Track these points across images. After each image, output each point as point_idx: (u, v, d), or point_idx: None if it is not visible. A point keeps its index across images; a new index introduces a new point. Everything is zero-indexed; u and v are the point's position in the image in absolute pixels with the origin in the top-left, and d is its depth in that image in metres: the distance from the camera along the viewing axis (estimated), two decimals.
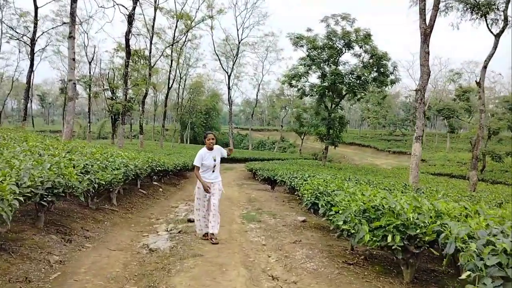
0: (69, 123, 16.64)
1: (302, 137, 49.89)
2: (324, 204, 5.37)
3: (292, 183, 10.10)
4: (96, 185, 5.83)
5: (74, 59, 16.72)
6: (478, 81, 17.34)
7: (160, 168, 11.42)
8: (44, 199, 4.56)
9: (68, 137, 16.39)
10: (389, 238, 3.48)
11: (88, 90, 41.37)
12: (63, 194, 4.80)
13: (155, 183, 12.93)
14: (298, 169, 20.08)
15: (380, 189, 6.42)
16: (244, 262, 4.69)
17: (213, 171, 5.84)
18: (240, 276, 4.12)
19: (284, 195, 12.82)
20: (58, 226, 5.32)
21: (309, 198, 6.15)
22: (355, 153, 61.78)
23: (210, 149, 5.86)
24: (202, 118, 66.91)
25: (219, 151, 5.95)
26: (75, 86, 16.79)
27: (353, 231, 3.80)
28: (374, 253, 5.14)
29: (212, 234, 5.58)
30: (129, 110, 34.01)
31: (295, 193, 11.09)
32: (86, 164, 5.98)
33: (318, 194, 6.20)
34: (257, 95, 58.22)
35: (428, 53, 11.06)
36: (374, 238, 3.66)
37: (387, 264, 4.66)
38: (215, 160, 5.82)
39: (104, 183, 6.14)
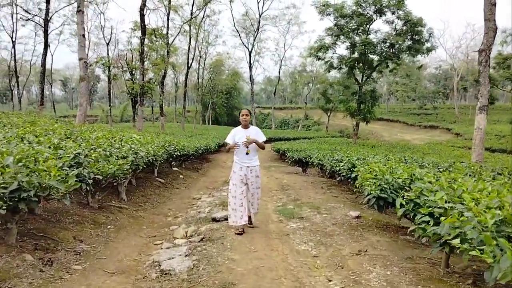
0: (82, 105, 15.45)
1: (328, 114, 47.74)
2: (404, 203, 3.79)
3: (334, 167, 8.52)
4: (90, 181, 4.42)
5: (84, 35, 15.39)
6: None
7: (179, 153, 10.03)
8: (12, 206, 3.19)
9: (82, 120, 15.22)
10: None
11: (107, 72, 40.41)
12: (37, 199, 3.40)
13: (175, 169, 11.62)
14: (330, 148, 18.44)
15: (462, 176, 4.80)
16: None
17: (247, 153, 5.15)
18: None
19: (320, 179, 11.26)
20: (38, 238, 3.95)
21: (373, 191, 4.57)
22: (384, 128, 59.21)
23: (245, 126, 5.23)
24: (223, 98, 65.38)
25: (256, 133, 5.26)
26: (86, 65, 15.52)
27: (489, 260, 2.23)
28: (476, 267, 3.57)
29: (253, 214, 5.36)
30: (148, 92, 32.72)
31: (337, 179, 9.54)
32: (78, 154, 4.56)
33: (385, 186, 4.61)
34: (279, 72, 56.04)
35: (494, 4, 9.08)
36: None
37: None
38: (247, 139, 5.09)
39: (101, 177, 4.73)
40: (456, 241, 2.55)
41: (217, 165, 16.66)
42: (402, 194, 4.04)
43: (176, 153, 9.52)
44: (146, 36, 29.09)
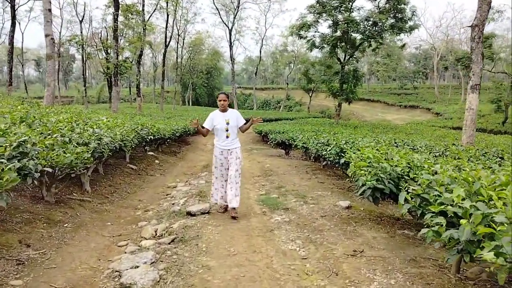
0: (49, 86, 14.39)
1: (310, 95, 47.19)
2: (409, 198, 3.23)
3: (320, 151, 7.97)
4: (37, 174, 3.71)
5: (50, 10, 14.22)
6: None
7: (153, 137, 9.29)
8: None
9: (50, 101, 14.20)
10: None
11: (81, 51, 38.65)
12: None
13: (150, 153, 10.88)
14: (313, 129, 17.93)
15: (467, 163, 4.30)
16: None
17: (227, 136, 5.10)
18: None
19: (305, 163, 10.73)
20: None
21: (368, 181, 4.01)
22: (365, 109, 59.25)
23: (223, 110, 5.17)
24: (203, 78, 63.88)
25: (235, 116, 5.18)
26: (54, 41, 14.39)
27: None
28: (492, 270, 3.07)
29: (233, 208, 4.95)
30: (123, 72, 31.38)
31: (322, 163, 9.02)
32: (23, 142, 3.82)
33: (381, 175, 4.05)
34: (260, 51, 54.96)
35: None
36: None
37: None
38: (228, 124, 5.08)
39: (54, 169, 4.02)
40: (489, 256, 1.99)
41: (197, 148, 15.97)
42: (405, 187, 3.48)
43: (149, 137, 8.78)
44: (120, 12, 27.71)
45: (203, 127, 5.09)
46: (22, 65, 52.70)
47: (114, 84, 22.47)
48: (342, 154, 6.38)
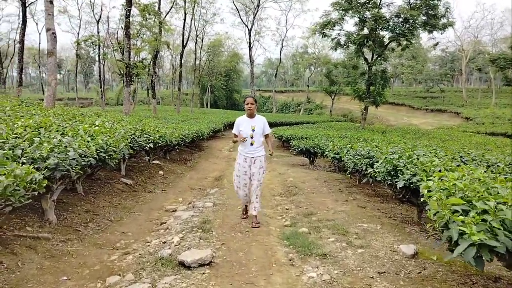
0: (50, 85, 13.08)
1: (332, 97, 45.20)
2: None
3: (359, 166, 6.31)
4: None
5: (51, 2, 12.95)
6: None
7: (152, 145, 7.77)
8: None
9: (51, 103, 12.90)
10: None
11: (98, 51, 37.97)
12: None
13: (155, 162, 9.40)
14: (339, 134, 16.22)
15: None
16: None
17: (252, 144, 4.89)
18: None
19: (334, 175, 9.05)
20: None
21: (474, 235, 2.37)
22: (389, 112, 56.74)
23: (250, 116, 4.94)
24: (222, 81, 62.55)
25: (262, 123, 4.98)
26: (55, 37, 13.09)
27: None
28: None
29: (255, 216, 4.82)
30: (139, 74, 30.22)
31: (357, 177, 7.34)
32: None
33: (495, 225, 2.39)
34: (280, 52, 53.28)
35: None
36: None
37: None
38: (253, 130, 4.87)
39: None
40: None
41: (211, 155, 14.46)
42: None
43: (148, 145, 7.26)
44: (137, 12, 26.74)
45: (236, 136, 4.95)
46: (39, 66, 52.47)
47: (126, 85, 21.20)
48: (398, 174, 4.71)
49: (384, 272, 3.31)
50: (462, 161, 5.26)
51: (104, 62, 43.46)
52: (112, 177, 6.73)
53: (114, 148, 5.21)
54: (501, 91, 61.89)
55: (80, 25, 44.34)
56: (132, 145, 6.71)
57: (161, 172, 8.68)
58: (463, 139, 22.00)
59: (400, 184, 4.31)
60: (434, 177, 3.36)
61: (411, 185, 4.33)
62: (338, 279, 3.18)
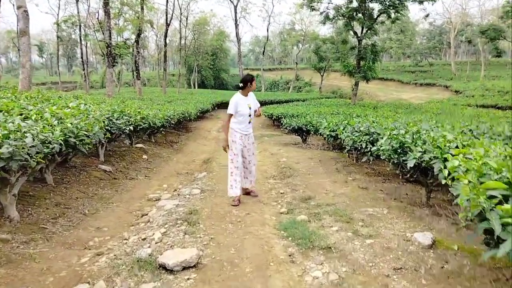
0: (24, 67, 12.27)
1: (322, 74, 44.42)
2: None
3: (358, 143, 5.81)
4: None
5: None
6: None
7: (132, 127, 7.15)
8: None
9: (26, 86, 12.12)
10: None
11: (79, 32, 36.51)
12: None
13: (139, 145, 8.80)
14: (331, 111, 15.70)
15: None
16: None
17: (249, 122, 4.83)
18: None
19: (329, 154, 8.58)
20: None
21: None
22: (378, 88, 56.30)
23: (246, 94, 4.80)
24: (209, 60, 61.23)
25: (254, 100, 4.90)
26: (27, 15, 12.17)
27: None
28: None
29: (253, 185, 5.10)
30: (123, 54, 29.03)
31: (355, 155, 6.88)
32: None
33: None
34: (267, 29, 52.00)
35: None
36: None
37: None
38: (250, 108, 4.75)
39: None
40: None
41: (199, 136, 13.88)
42: None
43: (128, 128, 6.64)
44: None
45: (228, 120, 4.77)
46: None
47: (108, 66, 20.35)
48: (405, 151, 4.21)
49: (401, 268, 2.83)
50: (473, 136, 4.78)
51: (86, 44, 41.98)
52: (89, 164, 6.14)
53: (86, 133, 4.60)
54: (489, 63, 61.76)
55: (59, 6, 42.43)
56: (109, 128, 6.10)
57: (145, 156, 8.10)
58: (456, 112, 21.68)
59: (410, 164, 3.81)
60: (457, 155, 2.85)
61: (422, 164, 3.83)
62: (348, 279, 2.70)
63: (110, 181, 5.74)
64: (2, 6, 23.41)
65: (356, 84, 24.74)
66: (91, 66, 75.22)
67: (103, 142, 6.08)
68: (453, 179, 2.86)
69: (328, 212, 4.17)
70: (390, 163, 4.62)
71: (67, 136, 4.33)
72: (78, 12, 37.12)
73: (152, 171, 7.13)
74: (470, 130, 5.21)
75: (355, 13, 23.12)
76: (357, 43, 23.72)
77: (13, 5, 43.87)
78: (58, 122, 4.46)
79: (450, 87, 49.43)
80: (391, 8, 22.34)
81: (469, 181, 2.43)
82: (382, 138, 4.74)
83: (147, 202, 4.99)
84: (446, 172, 2.90)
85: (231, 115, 4.68)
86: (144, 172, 6.90)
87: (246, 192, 5.03)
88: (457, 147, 3.56)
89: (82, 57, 37.95)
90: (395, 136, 4.50)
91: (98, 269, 2.99)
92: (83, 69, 38.58)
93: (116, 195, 5.18)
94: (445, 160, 3.46)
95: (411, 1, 22.83)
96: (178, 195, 5.06)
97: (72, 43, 73.78)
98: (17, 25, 42.47)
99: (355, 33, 24.13)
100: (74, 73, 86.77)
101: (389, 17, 23.58)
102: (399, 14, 23.42)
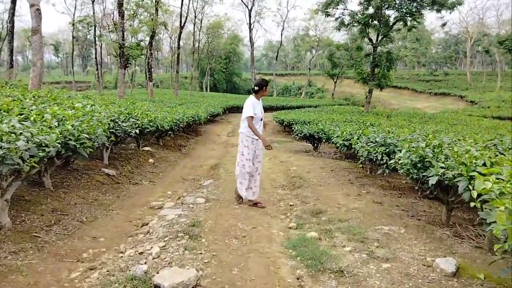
0: (35, 66, 12.20)
1: (335, 80, 44.00)
2: None
3: (373, 155, 5.51)
4: None
5: None
6: None
7: (140, 130, 6.95)
8: None
9: (36, 84, 12.04)
10: None
11: (93, 32, 36.86)
12: None
13: (146, 148, 8.61)
14: (344, 119, 15.37)
15: None
16: None
17: (260, 126, 4.76)
18: None
19: (341, 164, 8.26)
20: None
21: None
22: (391, 96, 55.73)
23: (258, 99, 4.79)
24: (222, 64, 61.26)
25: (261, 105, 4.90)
26: (40, 13, 12.13)
27: None
28: None
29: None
30: (136, 56, 29.02)
31: (369, 166, 6.57)
32: None
33: None
34: (281, 34, 51.93)
35: None
36: None
37: None
38: (262, 113, 4.80)
39: None
40: None
41: (208, 140, 13.65)
42: None
43: (134, 131, 6.43)
44: None
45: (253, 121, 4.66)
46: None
47: (120, 67, 20.31)
48: (425, 166, 3.90)
49: None
50: (498, 151, 4.45)
51: (101, 44, 42.32)
52: (93, 167, 5.93)
53: (87, 136, 4.38)
54: (505, 74, 60.67)
55: (75, 6, 42.83)
56: (114, 130, 5.89)
57: (151, 160, 7.89)
58: (472, 123, 21.14)
59: (432, 181, 3.51)
60: (488, 175, 2.55)
61: (445, 181, 3.52)
62: None
63: (112, 186, 5.52)
64: (18, 4, 23.43)
65: (370, 92, 24.33)
66: (105, 67, 75.92)
67: (107, 145, 5.86)
68: (482, 201, 2.57)
69: (340, 229, 3.88)
70: (408, 178, 4.30)
71: (67, 139, 4.12)
72: (93, 13, 37.44)
73: (157, 176, 6.90)
74: (494, 144, 4.87)
75: (370, 19, 22.78)
76: (372, 50, 23.36)
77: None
78: (58, 124, 4.25)
79: (465, 97, 48.65)
80: (408, 15, 21.95)
81: (506, 207, 2.13)
82: (399, 150, 4.43)
83: (149, 210, 4.75)
84: (475, 193, 2.59)
85: (252, 117, 4.59)
86: (149, 177, 6.68)
87: (253, 204, 4.83)
88: (484, 164, 3.25)
89: (96, 57, 38.22)
90: (414, 149, 4.19)
91: (88, 286, 2.75)
92: (97, 69, 38.84)
93: (117, 202, 4.95)
94: (471, 178, 3.16)
95: (429, 9, 22.41)
96: (182, 203, 4.81)
97: (88, 43, 74.54)
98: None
99: (370, 40, 23.77)
100: (88, 73, 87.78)
101: (406, 24, 23.17)
102: (415, 22, 23.04)
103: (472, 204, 2.68)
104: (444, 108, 43.67)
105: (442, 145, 4.14)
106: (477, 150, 3.90)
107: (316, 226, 4.03)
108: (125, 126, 6.18)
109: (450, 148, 4.08)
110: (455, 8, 22.77)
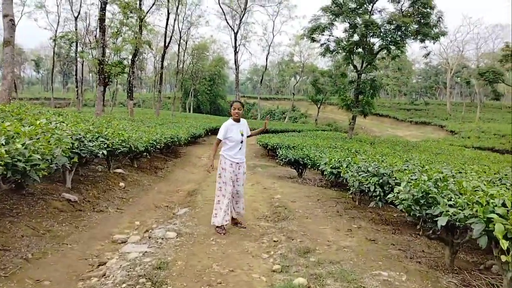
0: (5, 79, 11.52)
1: (318, 106, 44.13)
2: None
3: (366, 186, 5.02)
4: None
5: None
6: None
7: (109, 150, 6.32)
8: None
9: (5, 98, 11.31)
10: None
11: (75, 49, 36.20)
12: None
13: (118, 170, 7.93)
14: (328, 144, 15.00)
15: None
16: None
17: (240, 148, 4.74)
18: None
19: (327, 192, 7.75)
20: None
21: None
22: (373, 123, 56.27)
23: (237, 120, 4.78)
24: (206, 85, 60.98)
25: (246, 126, 4.89)
26: (13, 24, 11.51)
27: None
28: None
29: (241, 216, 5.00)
30: (118, 73, 28.36)
31: (358, 197, 6.08)
32: None
33: None
34: (266, 59, 52.14)
35: None
36: None
37: None
38: (242, 135, 4.75)
39: None
40: None
41: (188, 163, 13.01)
42: None
43: (101, 151, 5.79)
44: (114, 4, 25.28)
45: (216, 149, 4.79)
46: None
47: (99, 84, 19.65)
48: (428, 203, 3.41)
49: None
50: (506, 187, 4.01)
51: (83, 61, 41.64)
52: (52, 191, 5.25)
53: (39, 157, 3.76)
54: (484, 105, 62.26)
55: (58, 22, 42.18)
56: (79, 151, 5.26)
57: (122, 183, 7.22)
58: (455, 153, 21.11)
59: (442, 222, 3.00)
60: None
61: (456, 223, 3.03)
62: None
63: (72, 214, 4.85)
64: None
65: (354, 118, 24.21)
66: (87, 84, 74.76)
67: (68, 167, 5.21)
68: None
69: (332, 274, 3.32)
70: (409, 215, 3.80)
71: (14, 160, 3.49)
72: (76, 29, 36.86)
73: (127, 202, 6.24)
74: (500, 179, 4.45)
75: (355, 47, 22.89)
76: (356, 77, 23.40)
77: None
78: (6, 142, 3.63)
79: (445, 127, 49.41)
80: (392, 44, 22.18)
81: None
82: (395, 181, 3.95)
83: (110, 245, 4.10)
84: (505, 244, 2.10)
85: (220, 140, 4.70)
86: (117, 203, 6.01)
87: (234, 222, 4.92)
88: (504, 204, 2.78)
89: (76, 74, 37.48)
90: (414, 182, 3.72)
91: None
92: (77, 86, 37.98)
93: (74, 233, 4.28)
94: (489, 220, 2.68)
95: (413, 39, 22.70)
96: (149, 238, 4.17)
97: (69, 60, 73.57)
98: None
99: (355, 67, 23.86)
100: (69, 90, 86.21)
101: (389, 53, 23.40)
102: (399, 51, 23.30)
103: (495, 252, 2.17)
104: (425, 137, 44.15)
105: (447, 179, 3.67)
106: (484, 185, 3.45)
107: (304, 269, 3.46)
108: (92, 146, 5.55)
109: (455, 182, 3.61)
110: (438, 38, 23.09)
